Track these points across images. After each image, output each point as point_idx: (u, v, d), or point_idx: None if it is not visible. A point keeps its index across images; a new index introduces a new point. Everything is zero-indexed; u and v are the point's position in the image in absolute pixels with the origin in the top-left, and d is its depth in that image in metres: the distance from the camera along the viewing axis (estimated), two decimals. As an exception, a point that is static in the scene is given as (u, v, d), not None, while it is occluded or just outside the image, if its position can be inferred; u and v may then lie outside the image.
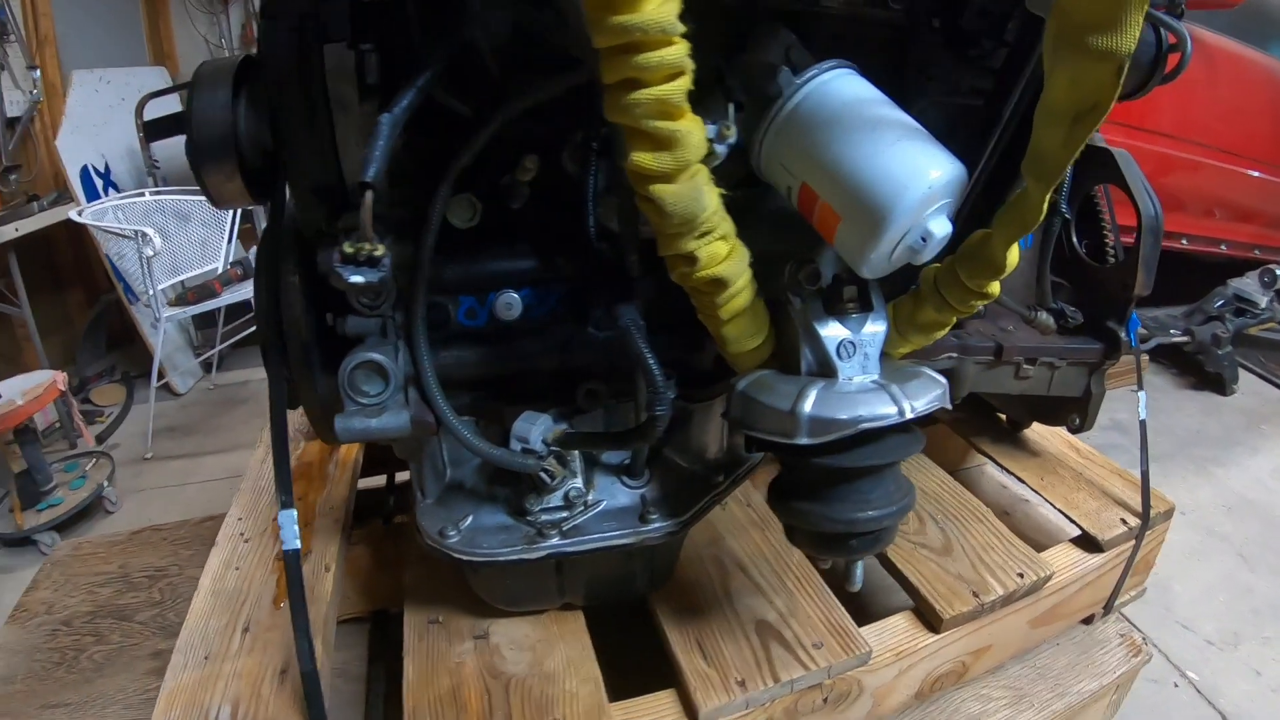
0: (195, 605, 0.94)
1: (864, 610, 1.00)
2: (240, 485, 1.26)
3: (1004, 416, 1.27)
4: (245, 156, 0.66)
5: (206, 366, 2.75)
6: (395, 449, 0.87)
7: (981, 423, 1.28)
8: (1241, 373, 2.27)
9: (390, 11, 0.60)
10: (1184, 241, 2.02)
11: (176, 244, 2.35)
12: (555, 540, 0.74)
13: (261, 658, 0.84)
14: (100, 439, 2.17)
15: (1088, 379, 1.08)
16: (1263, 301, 2.03)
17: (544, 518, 0.75)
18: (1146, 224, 0.96)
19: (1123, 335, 1.03)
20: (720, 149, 0.53)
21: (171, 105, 2.63)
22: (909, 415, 0.58)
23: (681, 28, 0.44)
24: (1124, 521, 1.03)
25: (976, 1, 0.61)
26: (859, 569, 0.68)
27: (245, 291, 2.33)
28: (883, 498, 0.63)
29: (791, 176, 0.58)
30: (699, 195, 0.50)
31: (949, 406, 0.65)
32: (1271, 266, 2.04)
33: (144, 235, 1.94)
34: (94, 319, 2.52)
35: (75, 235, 2.25)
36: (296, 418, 1.38)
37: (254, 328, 2.48)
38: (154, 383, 2.15)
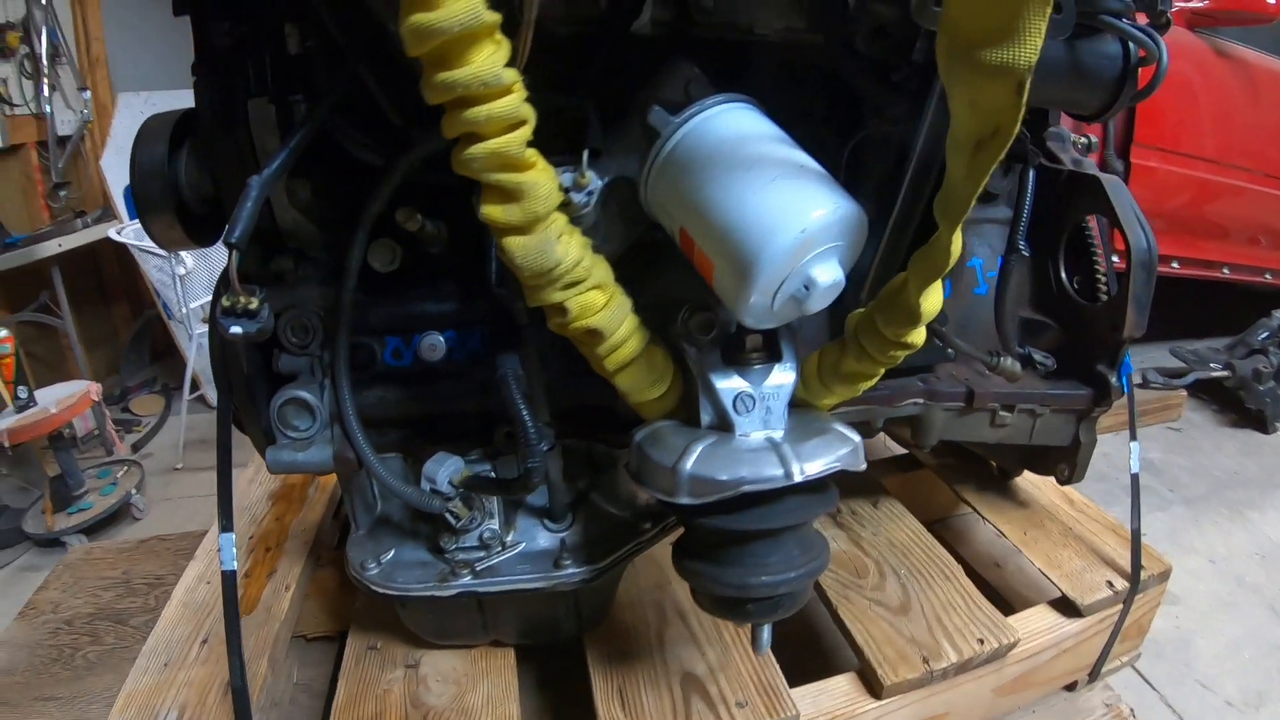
0: (166, 614, 1.00)
1: (825, 668, 0.95)
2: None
3: (994, 463, 1.20)
4: (189, 205, 0.70)
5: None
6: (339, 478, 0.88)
7: (971, 468, 1.22)
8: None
9: (310, 64, 0.62)
10: (1225, 270, 1.87)
11: (216, 263, 2.47)
12: (467, 579, 0.74)
13: (214, 669, 0.88)
14: (136, 448, 2.29)
15: (1076, 427, 1.01)
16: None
17: (460, 556, 0.75)
18: (1137, 259, 0.87)
19: (1113, 380, 0.96)
20: (578, 198, 0.52)
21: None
22: (797, 479, 0.55)
23: (512, 77, 0.43)
24: (1110, 584, 0.95)
25: (869, 21, 0.56)
26: (765, 632, 0.65)
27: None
28: (781, 562, 0.60)
29: (672, 220, 0.56)
30: (548, 248, 0.49)
31: (860, 468, 0.61)
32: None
33: (176, 255, 2.05)
34: (137, 332, 2.68)
35: (121, 251, 2.39)
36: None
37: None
38: (187, 395, 2.26)
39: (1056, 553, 1.01)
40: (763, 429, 0.60)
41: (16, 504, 1.92)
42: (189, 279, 2.15)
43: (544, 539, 0.77)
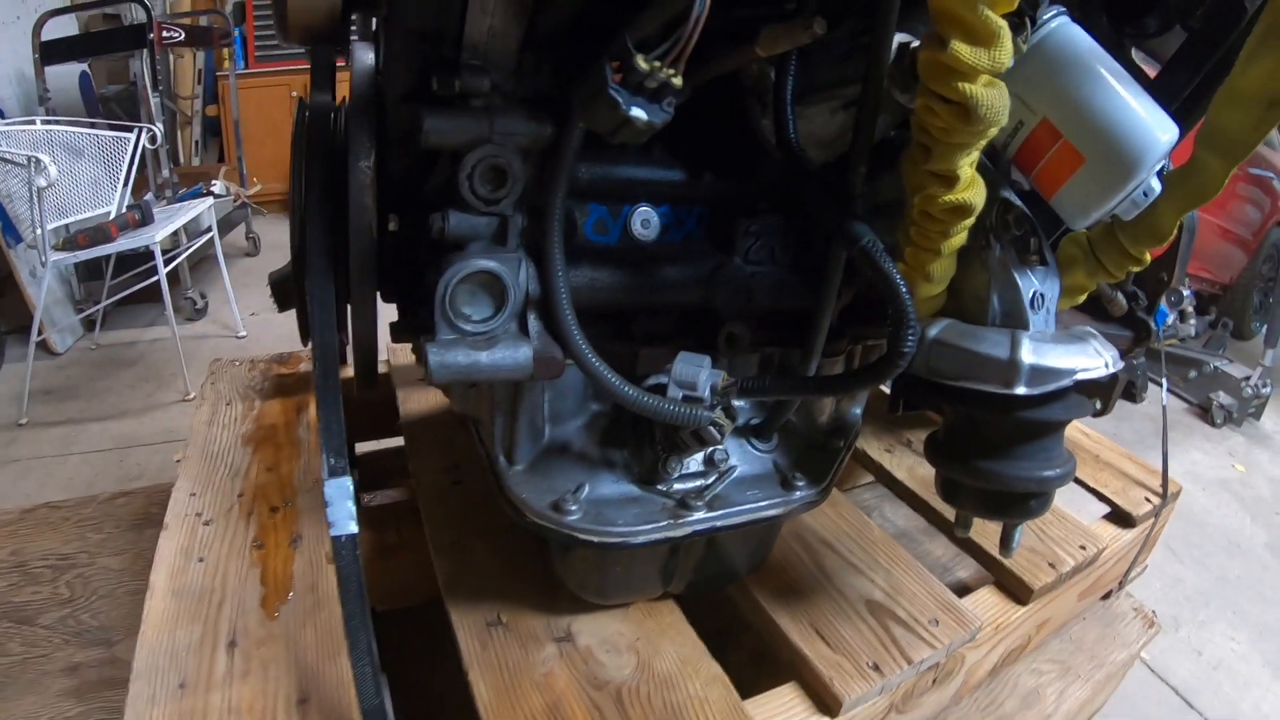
0: (152, 611, 0.73)
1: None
2: (186, 452, 1.03)
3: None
4: None
5: (88, 324, 2.45)
6: (455, 402, 0.71)
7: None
8: (1149, 385, 2.56)
9: None
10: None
11: (65, 182, 1.99)
12: (702, 514, 0.64)
13: (263, 684, 0.66)
14: (-39, 405, 1.79)
15: (1113, 365, 1.15)
16: (1169, 319, 2.29)
17: (678, 486, 0.66)
18: (1186, 223, 1.04)
19: (1152, 324, 1.10)
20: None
21: (72, 27, 2.25)
22: (1112, 369, 0.58)
23: None
24: (1148, 500, 1.08)
25: None
26: (1019, 533, 0.65)
27: (143, 239, 2.04)
28: (1060, 456, 0.61)
29: (1029, 112, 0.55)
30: (1008, 103, 0.46)
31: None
32: (1179, 288, 2.30)
33: (37, 162, 1.60)
34: (-41, 263, 2.11)
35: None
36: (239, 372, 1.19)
37: (147, 281, 2.18)
38: (33, 339, 1.82)
39: (1098, 474, 1.14)
40: (1045, 329, 0.60)
41: None
42: (45, 194, 1.70)
43: (754, 461, 0.70)
